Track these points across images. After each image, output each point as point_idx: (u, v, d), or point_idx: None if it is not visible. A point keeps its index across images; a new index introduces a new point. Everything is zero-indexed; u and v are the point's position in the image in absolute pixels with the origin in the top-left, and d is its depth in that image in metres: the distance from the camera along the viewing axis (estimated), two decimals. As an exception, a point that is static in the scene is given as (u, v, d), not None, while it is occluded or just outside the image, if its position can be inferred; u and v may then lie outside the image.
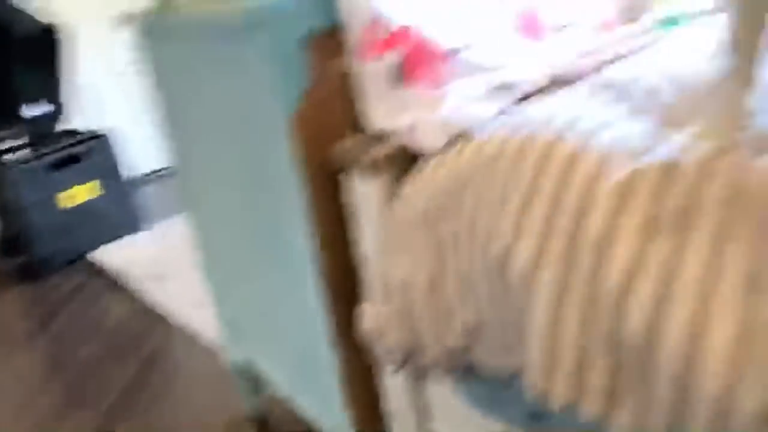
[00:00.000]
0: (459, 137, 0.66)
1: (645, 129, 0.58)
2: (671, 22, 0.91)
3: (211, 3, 0.73)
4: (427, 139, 0.68)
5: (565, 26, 1.00)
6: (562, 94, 0.70)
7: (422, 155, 0.68)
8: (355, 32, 0.70)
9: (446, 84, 0.77)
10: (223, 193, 0.93)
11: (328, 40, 0.72)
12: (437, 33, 0.78)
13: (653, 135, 0.56)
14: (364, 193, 0.73)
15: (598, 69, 0.78)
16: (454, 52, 0.79)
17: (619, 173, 0.50)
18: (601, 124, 0.59)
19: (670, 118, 0.59)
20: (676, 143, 0.51)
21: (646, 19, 0.93)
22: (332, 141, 0.74)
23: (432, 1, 0.80)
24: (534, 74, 0.74)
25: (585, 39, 0.95)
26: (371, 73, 0.73)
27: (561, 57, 0.80)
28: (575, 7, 1.02)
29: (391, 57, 0.74)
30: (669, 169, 0.48)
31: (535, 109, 0.66)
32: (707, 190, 0.45)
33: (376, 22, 0.72)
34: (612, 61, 0.80)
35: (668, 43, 0.85)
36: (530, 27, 0.92)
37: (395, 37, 0.74)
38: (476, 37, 0.84)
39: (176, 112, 0.97)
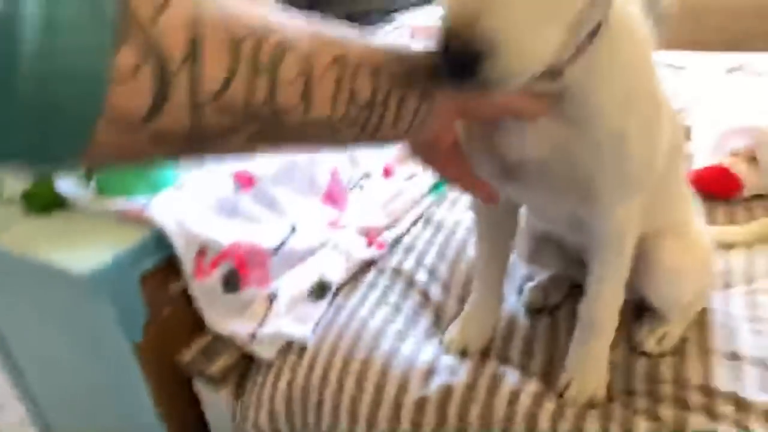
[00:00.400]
0: (291, 346, 0.81)
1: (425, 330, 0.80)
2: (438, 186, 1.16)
3: (51, 252, 0.78)
4: (264, 349, 0.82)
5: (360, 181, 1.21)
6: (364, 290, 0.89)
7: (260, 364, 0.82)
8: (187, 260, 0.81)
9: (275, 280, 0.92)
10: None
11: (165, 271, 0.81)
12: (260, 233, 0.92)
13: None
14: (211, 403, 0.85)
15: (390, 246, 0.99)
16: (277, 248, 0.94)
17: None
18: (397, 335, 0.79)
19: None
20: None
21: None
22: (179, 354, 0.84)
23: (249, 206, 0.93)
24: (340, 269, 0.92)
25: (378, 194, 1.17)
26: (206, 287, 0.84)
27: (359, 242, 0.99)
28: (365, 161, 1.23)
29: (223, 269, 0.86)
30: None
31: (347, 314, 0.84)
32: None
33: (204, 246, 0.83)
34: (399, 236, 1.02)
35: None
36: (332, 197, 1.10)
37: (224, 253, 0.86)
38: (295, 224, 0.99)
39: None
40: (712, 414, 0.63)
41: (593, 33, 0.50)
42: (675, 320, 0.74)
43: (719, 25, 2.32)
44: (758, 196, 1.02)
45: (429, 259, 0.95)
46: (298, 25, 0.37)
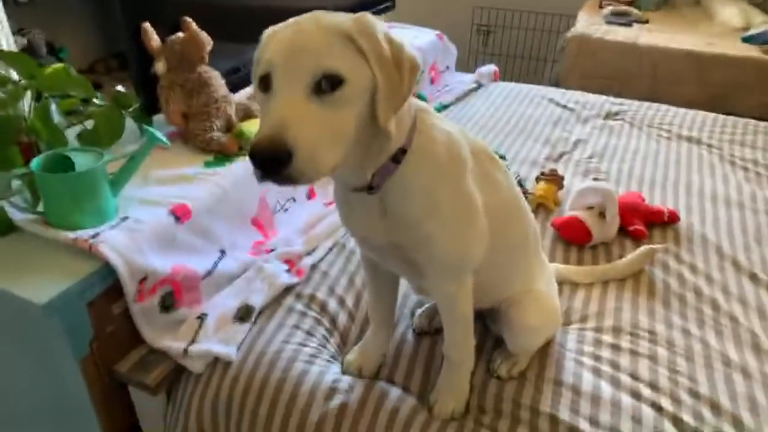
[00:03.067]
0: (218, 361, 0.98)
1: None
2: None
3: (4, 278, 0.89)
4: (194, 364, 0.97)
5: (287, 203, 1.36)
6: (283, 314, 1.06)
7: (190, 376, 0.98)
8: (130, 288, 0.94)
9: (205, 301, 1.07)
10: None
11: (109, 295, 0.94)
12: (195, 260, 1.07)
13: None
14: (145, 409, 1.00)
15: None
16: (208, 272, 1.09)
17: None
18: (309, 358, 0.97)
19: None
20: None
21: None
22: (117, 365, 0.97)
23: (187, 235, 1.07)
24: (263, 294, 1.08)
25: (301, 217, 1.33)
26: (145, 308, 0.98)
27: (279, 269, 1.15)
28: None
29: (161, 292, 1.00)
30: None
31: (266, 338, 1.01)
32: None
33: (146, 275, 0.96)
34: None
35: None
36: (258, 222, 1.26)
37: (163, 280, 1.00)
38: (224, 248, 1.14)
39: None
40: (534, 428, 0.87)
41: (397, 157, 0.73)
42: (525, 355, 0.98)
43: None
44: (603, 244, 1.29)
45: (340, 289, 1.13)
46: None
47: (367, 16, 0.68)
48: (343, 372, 0.97)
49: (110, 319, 0.96)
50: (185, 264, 1.04)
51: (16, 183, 1.03)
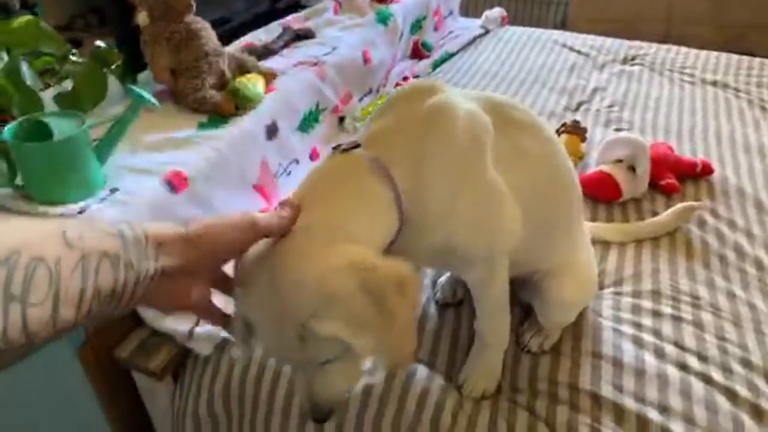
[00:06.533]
0: (227, 343, 0.90)
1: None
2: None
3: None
4: (201, 346, 0.89)
5: (289, 166, 1.26)
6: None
7: (198, 358, 0.90)
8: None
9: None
10: None
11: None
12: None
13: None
14: (151, 394, 0.93)
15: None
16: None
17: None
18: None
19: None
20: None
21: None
22: (117, 349, 0.89)
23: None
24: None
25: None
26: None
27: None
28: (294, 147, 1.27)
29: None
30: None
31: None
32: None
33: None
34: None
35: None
36: (261, 187, 1.16)
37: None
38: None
39: None
40: (574, 407, 0.80)
41: None
42: (556, 329, 0.90)
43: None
44: (633, 200, 1.20)
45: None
46: (46, 230, 0.41)
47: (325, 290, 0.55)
48: None
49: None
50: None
51: (-12, 154, 0.92)
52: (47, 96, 0.99)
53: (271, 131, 1.18)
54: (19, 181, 0.89)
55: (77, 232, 0.42)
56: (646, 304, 0.95)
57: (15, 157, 0.86)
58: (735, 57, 1.82)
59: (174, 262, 0.49)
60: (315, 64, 1.37)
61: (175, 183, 0.95)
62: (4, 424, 1.08)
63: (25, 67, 0.91)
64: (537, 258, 0.83)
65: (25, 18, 0.93)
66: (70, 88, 1.01)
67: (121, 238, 0.45)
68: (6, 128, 0.84)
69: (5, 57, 0.92)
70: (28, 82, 0.91)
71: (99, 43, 1.13)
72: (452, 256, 0.72)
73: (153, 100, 0.93)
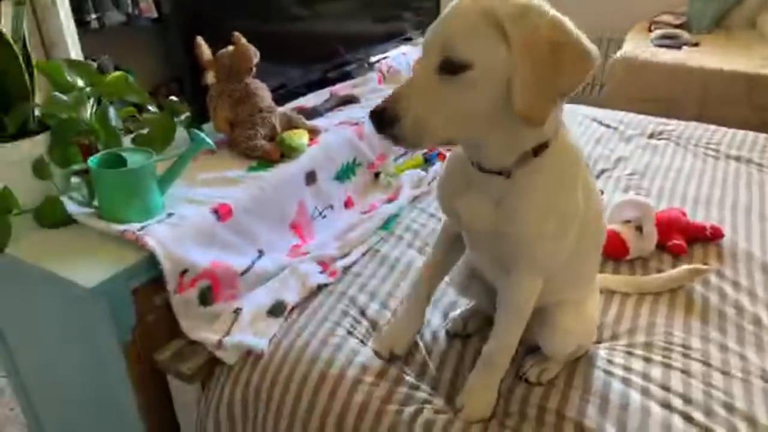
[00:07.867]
0: (249, 354, 1.01)
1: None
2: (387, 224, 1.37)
3: (58, 263, 0.96)
4: (228, 355, 1.01)
5: (324, 210, 1.40)
6: (313, 309, 1.09)
7: (224, 367, 1.02)
8: (171, 279, 1.00)
9: (241, 297, 1.11)
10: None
11: (152, 285, 1.00)
12: (233, 257, 1.12)
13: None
14: (181, 396, 1.05)
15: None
16: (246, 270, 1.13)
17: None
18: (335, 347, 1.00)
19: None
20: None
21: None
22: (157, 353, 1.03)
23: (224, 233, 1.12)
24: (296, 292, 1.12)
25: (337, 224, 1.37)
26: (184, 300, 1.03)
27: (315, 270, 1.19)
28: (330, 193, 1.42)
29: (200, 286, 1.05)
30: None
31: (295, 332, 1.04)
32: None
33: (186, 268, 1.02)
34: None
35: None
36: (297, 226, 1.30)
37: (202, 274, 1.05)
38: (263, 249, 1.19)
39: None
40: (558, 432, 0.86)
41: (539, 150, 0.75)
42: (556, 362, 0.97)
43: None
44: (641, 259, 1.27)
45: (371, 286, 1.16)
46: None
47: (534, 2, 0.68)
48: (373, 347, 1.00)
49: (152, 309, 1.02)
50: (224, 260, 1.09)
51: (75, 180, 1.11)
52: (128, 141, 1.20)
53: (310, 177, 1.34)
54: (95, 203, 1.07)
55: None
56: (639, 351, 1.01)
57: (94, 182, 1.04)
58: (763, 135, 1.87)
59: None
60: (355, 123, 1.54)
61: (221, 213, 1.11)
62: (51, 396, 1.22)
63: (111, 111, 1.12)
64: (559, 287, 0.91)
65: (118, 74, 1.14)
66: (146, 132, 1.21)
67: None
68: (91, 158, 1.03)
69: (90, 102, 1.12)
70: (113, 123, 1.11)
71: (172, 97, 1.34)
72: (520, 257, 0.83)
73: (209, 140, 1.11)
